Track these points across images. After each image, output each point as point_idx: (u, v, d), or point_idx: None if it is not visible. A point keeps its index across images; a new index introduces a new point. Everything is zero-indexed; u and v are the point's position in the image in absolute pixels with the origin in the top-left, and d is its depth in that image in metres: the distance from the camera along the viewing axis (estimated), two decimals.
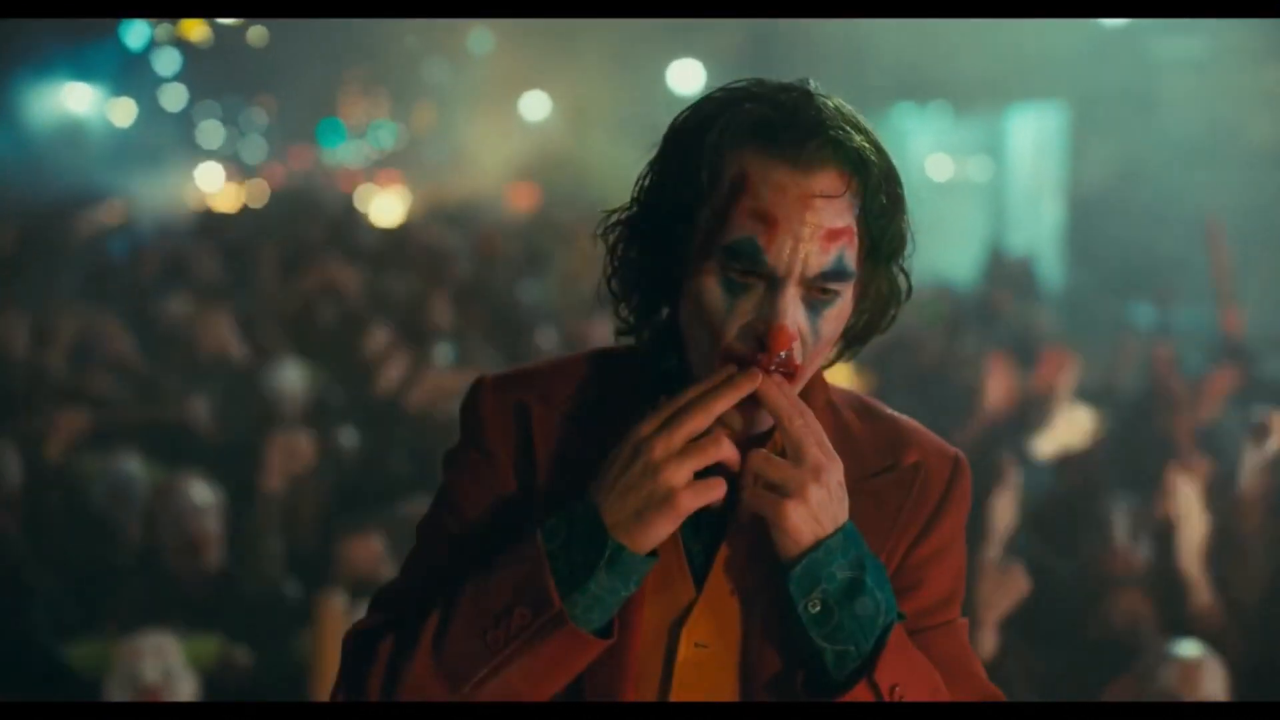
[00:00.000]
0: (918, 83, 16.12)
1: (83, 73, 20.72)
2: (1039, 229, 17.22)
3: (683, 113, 1.78)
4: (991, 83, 14.92)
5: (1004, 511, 5.04)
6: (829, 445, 1.72)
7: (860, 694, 1.69)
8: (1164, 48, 13.76)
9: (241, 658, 4.68)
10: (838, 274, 1.69)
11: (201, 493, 5.14)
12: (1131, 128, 14.40)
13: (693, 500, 1.67)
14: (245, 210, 20.03)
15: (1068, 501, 6.01)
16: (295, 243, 11.86)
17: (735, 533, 1.79)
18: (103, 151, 21.38)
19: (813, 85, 1.75)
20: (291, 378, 7.00)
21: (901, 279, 1.81)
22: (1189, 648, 3.87)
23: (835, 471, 1.71)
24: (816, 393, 1.84)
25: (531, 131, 22.84)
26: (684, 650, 1.78)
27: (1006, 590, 4.00)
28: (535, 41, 18.39)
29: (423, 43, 25.34)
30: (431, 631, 1.73)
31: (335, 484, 6.10)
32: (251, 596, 5.00)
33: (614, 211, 1.84)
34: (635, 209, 1.81)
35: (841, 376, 1.94)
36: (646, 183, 1.80)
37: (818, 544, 1.69)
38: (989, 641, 3.98)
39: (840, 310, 1.73)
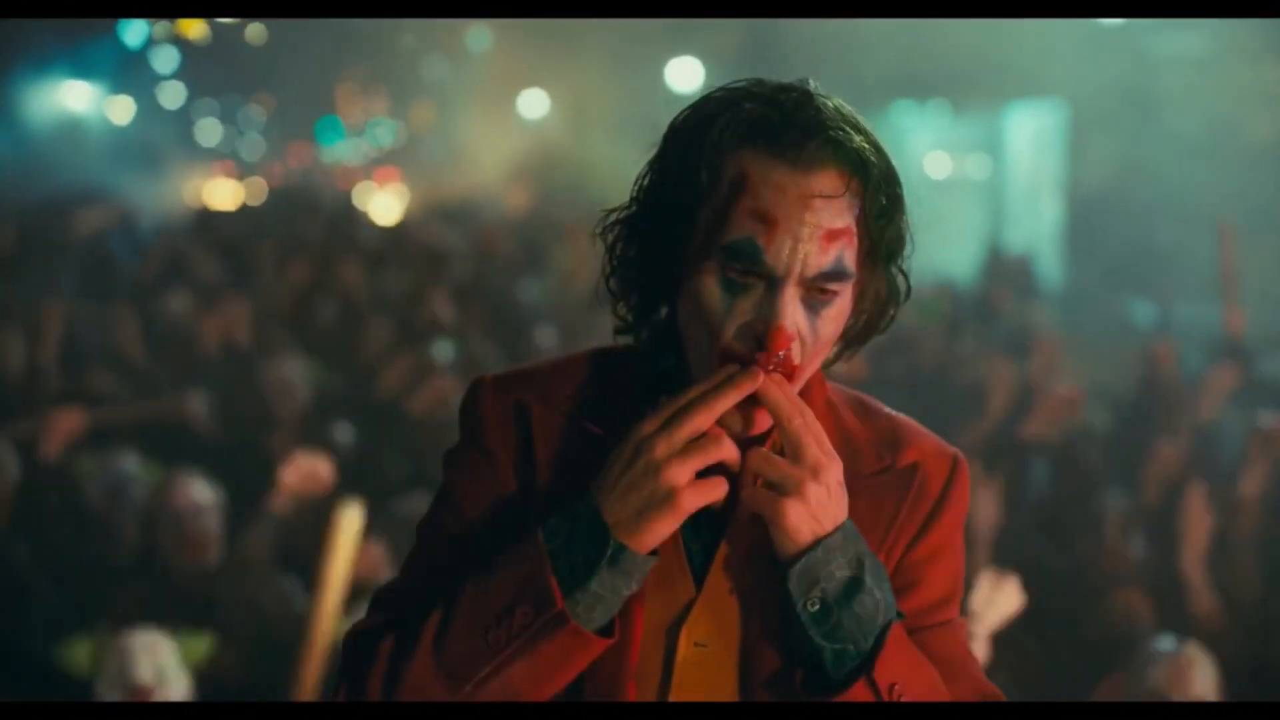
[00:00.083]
0: (916, 80, 16.14)
1: (81, 70, 20.71)
2: (1038, 227, 17.23)
3: (682, 112, 1.78)
4: (990, 80, 14.93)
5: (986, 510, 5.07)
6: (828, 444, 1.72)
7: (859, 693, 1.69)
8: (1163, 45, 13.77)
9: (236, 656, 4.67)
10: (837, 274, 1.69)
11: (201, 491, 5.13)
12: (1130, 125, 14.41)
13: (694, 499, 1.67)
14: (244, 208, 20.02)
15: (1063, 499, 6.02)
16: (294, 241, 11.85)
17: (734, 532, 1.80)
18: (101, 149, 21.37)
19: (813, 85, 1.75)
20: (290, 375, 6.99)
21: (900, 279, 1.81)
22: (1179, 645, 3.87)
23: (834, 470, 1.71)
24: (815, 392, 1.85)
25: (530, 129, 22.84)
26: (683, 650, 1.78)
27: (999, 604, 4.00)
28: (534, 39, 18.38)
29: (421, 41, 25.33)
30: (432, 631, 1.73)
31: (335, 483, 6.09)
32: (248, 596, 4.98)
33: (613, 210, 1.84)
34: (634, 208, 1.81)
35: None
36: (646, 182, 1.80)
37: (817, 543, 1.69)
38: (980, 654, 3.98)
39: (839, 310, 1.73)
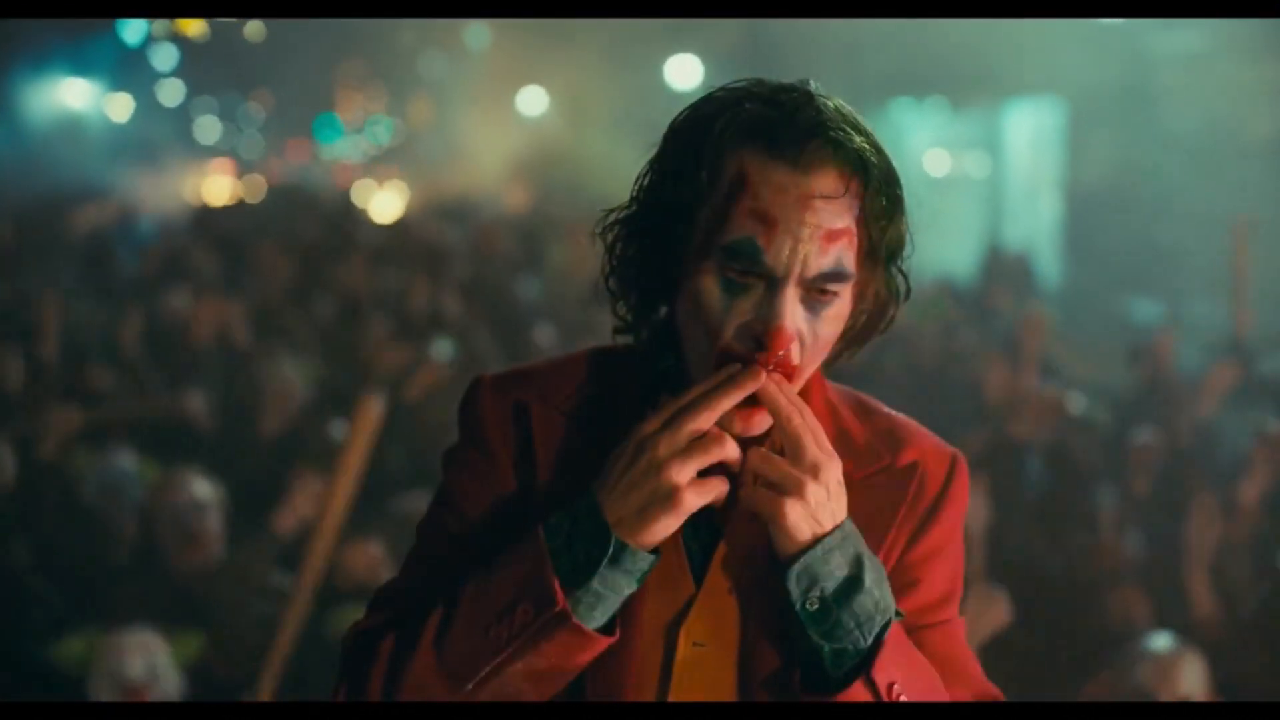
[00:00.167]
0: (915, 78, 16.15)
1: (80, 68, 20.72)
2: (1036, 224, 17.24)
3: (682, 112, 1.78)
4: (989, 78, 14.93)
5: (978, 509, 5.09)
6: (828, 444, 1.72)
7: (858, 692, 1.69)
8: (1161, 42, 13.77)
9: (231, 655, 4.66)
10: (836, 275, 1.69)
11: (202, 488, 5.13)
12: (1129, 123, 14.41)
13: (695, 498, 1.67)
14: (243, 206, 20.01)
15: (1059, 496, 6.03)
16: (293, 238, 11.84)
17: (733, 531, 1.80)
18: (100, 147, 21.37)
19: (813, 85, 1.75)
20: (289, 373, 6.99)
21: (900, 280, 1.81)
22: (1165, 643, 3.86)
23: (834, 470, 1.71)
24: (814, 391, 1.85)
25: (529, 127, 22.83)
26: (682, 650, 1.78)
27: (986, 619, 4.01)
28: (532, 37, 18.37)
29: (419, 38, 25.34)
30: (433, 630, 1.73)
31: None
32: (247, 597, 4.97)
33: (613, 210, 1.84)
34: (634, 207, 1.81)
35: None
36: (646, 181, 1.80)
37: (816, 542, 1.69)
38: None
39: (838, 311, 1.73)
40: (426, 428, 6.61)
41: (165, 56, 25.60)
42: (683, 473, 1.66)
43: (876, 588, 1.72)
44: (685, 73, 18.67)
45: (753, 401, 1.69)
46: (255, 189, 24.65)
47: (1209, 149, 12.50)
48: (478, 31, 23.95)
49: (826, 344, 1.75)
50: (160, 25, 21.55)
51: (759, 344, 1.69)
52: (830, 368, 1.86)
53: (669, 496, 1.66)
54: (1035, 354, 8.11)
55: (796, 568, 1.69)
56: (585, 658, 1.72)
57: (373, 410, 4.44)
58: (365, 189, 23.62)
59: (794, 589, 1.69)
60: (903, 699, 1.71)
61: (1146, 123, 14.07)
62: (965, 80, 15.54)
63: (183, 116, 29.45)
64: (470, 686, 1.71)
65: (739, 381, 1.68)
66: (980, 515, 5.19)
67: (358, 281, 9.56)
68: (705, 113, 1.74)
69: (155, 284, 9.71)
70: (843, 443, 1.81)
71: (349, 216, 15.11)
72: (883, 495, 1.84)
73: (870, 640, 1.71)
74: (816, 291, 1.70)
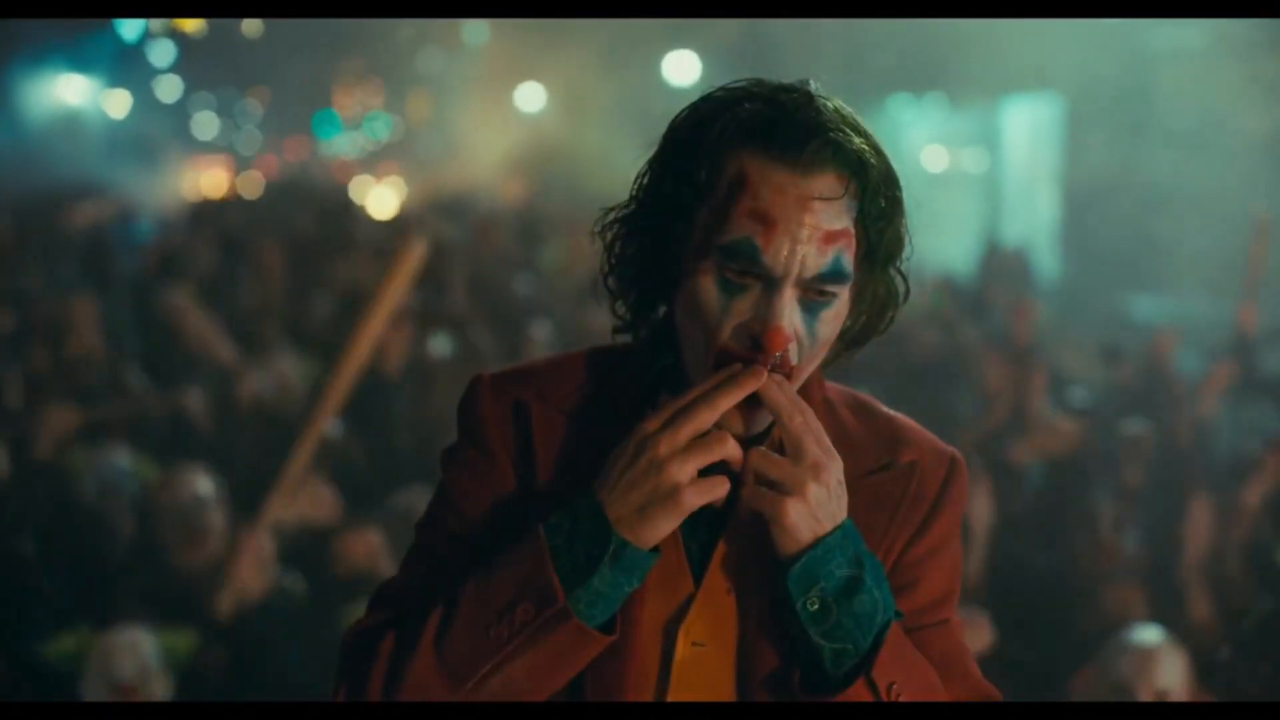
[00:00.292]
0: (914, 74, 16.13)
1: (78, 64, 20.70)
2: (1034, 220, 17.23)
3: (682, 112, 1.79)
4: (987, 74, 14.92)
5: (981, 511, 5.09)
6: (828, 443, 1.72)
7: (858, 692, 1.70)
8: (1159, 39, 13.76)
9: (230, 654, 4.66)
10: (835, 276, 1.69)
11: (205, 485, 5.13)
12: (1127, 119, 14.40)
13: (696, 497, 1.67)
14: (240, 202, 20.00)
15: (1055, 495, 6.03)
16: (290, 235, 11.83)
17: (732, 530, 1.80)
18: (98, 143, 21.37)
19: (813, 86, 1.75)
20: (288, 370, 6.99)
21: (899, 281, 1.81)
22: (1146, 636, 3.86)
23: (835, 469, 1.72)
24: (813, 391, 1.85)
25: (527, 123, 22.82)
26: (681, 649, 1.79)
27: (970, 641, 4.01)
28: (530, 33, 18.37)
29: (417, 34, 25.33)
30: (434, 629, 1.74)
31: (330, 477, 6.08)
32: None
33: (612, 209, 1.84)
34: (634, 206, 1.81)
35: None
36: (645, 181, 1.80)
37: (817, 542, 1.70)
38: None
39: (837, 312, 1.74)
40: (426, 424, 6.61)
41: (163, 53, 25.58)
42: (683, 471, 1.66)
43: (877, 588, 1.72)
44: (683, 69, 18.66)
45: (753, 401, 1.69)
46: (253, 185, 24.64)
47: (1207, 145, 12.49)
48: (476, 28, 23.95)
49: (825, 344, 1.75)
50: (158, 22, 21.52)
51: (756, 344, 1.69)
52: (828, 367, 1.86)
53: (669, 495, 1.66)
54: (1028, 342, 8.12)
55: (797, 568, 1.69)
56: (586, 656, 1.72)
57: (416, 250, 4.44)
58: (363, 185, 23.62)
59: (794, 589, 1.70)
60: (902, 699, 1.71)
61: (1144, 119, 14.06)
62: (963, 76, 15.53)
63: (180, 112, 29.47)
64: (470, 685, 1.72)
65: (740, 381, 1.68)
66: (984, 517, 5.20)
67: (356, 278, 9.55)
68: (705, 112, 1.75)
69: (154, 281, 9.70)
70: (842, 442, 1.80)
71: (347, 213, 15.10)
72: (882, 495, 1.84)
73: (870, 640, 1.71)
74: (815, 292, 1.70)
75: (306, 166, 30.30)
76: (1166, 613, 4.91)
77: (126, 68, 22.76)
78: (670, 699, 1.78)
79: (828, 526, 1.70)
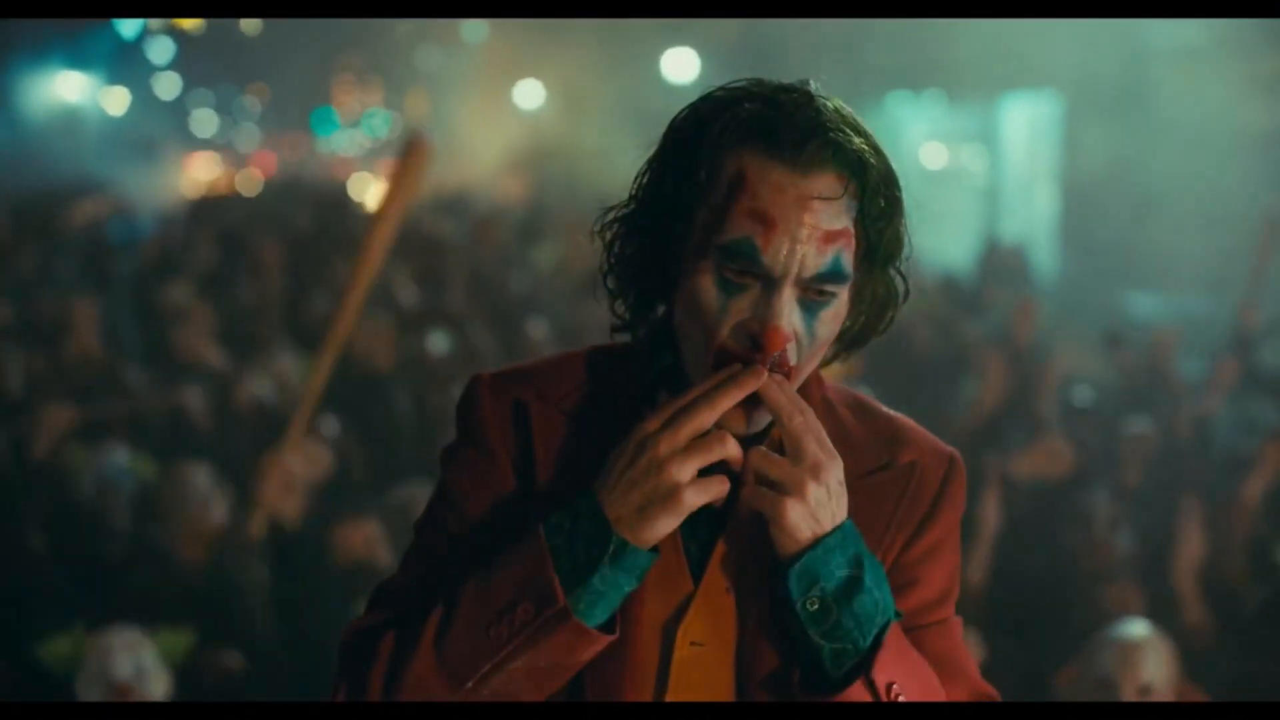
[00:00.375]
0: (912, 71, 16.14)
1: (77, 61, 20.71)
2: (1033, 217, 17.23)
3: (682, 111, 1.79)
4: (986, 71, 14.93)
5: (990, 517, 5.10)
6: (828, 443, 1.72)
7: (857, 692, 1.70)
8: (1158, 36, 13.75)
9: (226, 653, 4.66)
10: (834, 276, 1.69)
11: (208, 482, 5.13)
12: (1126, 116, 14.38)
13: (696, 497, 1.67)
14: (239, 198, 20.00)
15: (1050, 495, 6.03)
16: (288, 232, 11.83)
17: (732, 530, 1.80)
18: (97, 140, 21.37)
19: (813, 86, 1.75)
20: (287, 368, 6.99)
21: (899, 281, 1.81)
22: (1131, 630, 3.86)
23: (835, 470, 1.71)
24: (812, 391, 1.85)
25: (525, 120, 22.82)
26: (680, 649, 1.79)
27: None
28: (529, 30, 18.37)
29: (416, 31, 25.34)
30: (433, 628, 1.74)
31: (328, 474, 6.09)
32: (244, 589, 4.97)
33: (612, 208, 1.84)
34: (633, 206, 1.81)
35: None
36: (645, 180, 1.80)
37: (816, 542, 1.70)
38: None
39: (836, 312, 1.74)
40: (424, 421, 6.62)
41: (161, 50, 25.60)
42: (683, 471, 1.66)
43: (876, 588, 1.72)
44: (682, 66, 18.65)
45: (753, 400, 1.69)
46: (251, 182, 24.64)
47: (1206, 142, 12.48)
48: (475, 25, 23.95)
49: (824, 344, 1.75)
50: (157, 19, 21.51)
51: (755, 344, 1.69)
52: (826, 368, 1.87)
53: (669, 495, 1.66)
54: (1028, 342, 8.11)
55: (797, 568, 1.69)
56: (585, 656, 1.72)
57: (424, 147, 4.29)
58: (361, 182, 23.61)
59: (794, 589, 1.70)
60: (901, 699, 1.71)
61: (1143, 116, 14.05)
62: (962, 74, 15.54)
63: (179, 110, 29.47)
64: (470, 685, 1.71)
65: (740, 380, 1.68)
66: (992, 523, 5.21)
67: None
68: (705, 112, 1.74)
69: (153, 278, 9.70)
70: (841, 442, 1.80)
71: (346, 210, 15.09)
72: (881, 495, 1.84)
73: (870, 640, 1.71)
74: (814, 292, 1.70)
75: (305, 163, 30.29)
76: (1164, 611, 4.92)
77: (125, 65, 22.78)
78: (669, 699, 1.78)
79: (827, 527, 1.70)
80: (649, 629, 1.78)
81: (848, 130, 1.69)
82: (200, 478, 5.12)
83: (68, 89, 21.13)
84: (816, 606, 1.70)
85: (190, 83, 29.24)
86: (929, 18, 10.76)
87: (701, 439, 1.68)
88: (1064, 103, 16.62)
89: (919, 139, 18.86)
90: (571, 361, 1.92)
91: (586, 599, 1.69)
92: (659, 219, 1.76)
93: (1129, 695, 3.67)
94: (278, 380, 6.90)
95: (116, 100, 24.07)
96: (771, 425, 1.77)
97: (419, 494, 5.10)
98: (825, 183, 1.67)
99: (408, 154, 4.25)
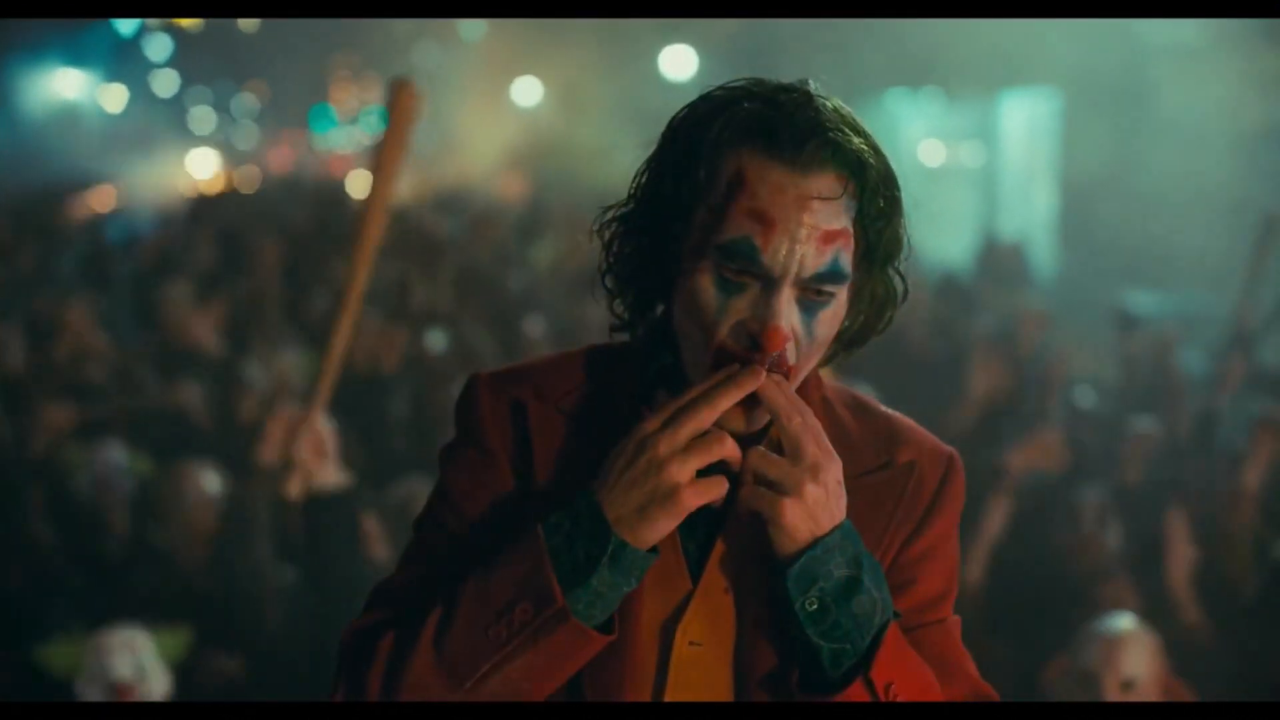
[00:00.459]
0: (910, 68, 16.09)
1: (75, 58, 20.70)
2: (1032, 214, 17.22)
3: (681, 111, 1.78)
4: (984, 68, 14.89)
5: (995, 521, 5.10)
6: (827, 443, 1.72)
7: (856, 692, 1.70)
8: (1157, 33, 13.74)
9: (224, 653, 4.65)
10: (833, 276, 1.69)
11: (210, 481, 5.12)
12: (1125, 113, 14.38)
13: (695, 497, 1.67)
14: (237, 195, 19.98)
15: (1040, 494, 6.03)
16: (287, 229, 11.83)
17: (730, 530, 1.80)
18: (95, 137, 21.36)
19: (813, 86, 1.75)
20: (287, 365, 6.98)
21: (898, 281, 1.81)
22: (1113, 624, 3.86)
23: (833, 470, 1.71)
24: (811, 390, 1.85)
25: (524, 117, 22.80)
26: (679, 649, 1.79)
27: None
28: (527, 28, 18.33)
29: (414, 28, 25.29)
30: (432, 628, 1.73)
31: None
32: (244, 587, 4.97)
33: (611, 207, 1.84)
34: (632, 205, 1.81)
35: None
36: (644, 179, 1.80)
37: (815, 542, 1.69)
38: None
39: (835, 312, 1.74)
40: (423, 420, 6.61)
41: (159, 47, 25.59)
42: (683, 471, 1.66)
43: (875, 588, 1.72)
44: (680, 64, 18.63)
45: (752, 400, 1.69)
46: (249, 179, 24.62)
47: (1204, 140, 12.48)
48: (472, 23, 23.91)
49: (823, 344, 1.75)
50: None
51: (754, 343, 1.69)
52: (828, 365, 1.86)
53: (669, 495, 1.66)
54: (1030, 350, 8.11)
55: (796, 568, 1.69)
56: (584, 656, 1.72)
57: (410, 90, 4.18)
58: (360, 179, 23.57)
59: (793, 589, 1.70)
60: (900, 699, 1.71)
61: (1142, 114, 14.05)
62: (960, 71, 15.50)
63: (177, 107, 29.45)
64: (469, 685, 1.71)
65: (739, 380, 1.68)
66: (995, 529, 5.21)
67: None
68: (704, 111, 1.74)
69: (152, 275, 9.70)
70: (840, 442, 1.80)
71: (343, 207, 15.07)
72: (880, 494, 1.84)
73: (868, 640, 1.71)
74: (813, 292, 1.70)
75: (302, 161, 30.29)
76: (1161, 609, 4.92)
77: (123, 62, 22.77)
78: (668, 699, 1.78)
79: (826, 527, 1.70)
80: (647, 629, 1.78)
81: (847, 130, 1.69)
82: (200, 477, 5.12)
83: (66, 86, 21.13)
84: (815, 606, 1.70)
85: (188, 80, 29.23)
86: (929, 18, 10.73)
87: (701, 439, 1.67)
88: (1063, 100, 16.61)
89: (917, 136, 18.85)
90: (570, 361, 1.92)
91: (585, 599, 1.69)
92: (658, 218, 1.76)
93: (1111, 689, 3.67)
94: (279, 377, 6.89)
95: (114, 97, 24.07)
96: (770, 425, 1.77)
97: (418, 491, 5.10)
98: (824, 182, 1.67)
99: (395, 100, 4.16)
